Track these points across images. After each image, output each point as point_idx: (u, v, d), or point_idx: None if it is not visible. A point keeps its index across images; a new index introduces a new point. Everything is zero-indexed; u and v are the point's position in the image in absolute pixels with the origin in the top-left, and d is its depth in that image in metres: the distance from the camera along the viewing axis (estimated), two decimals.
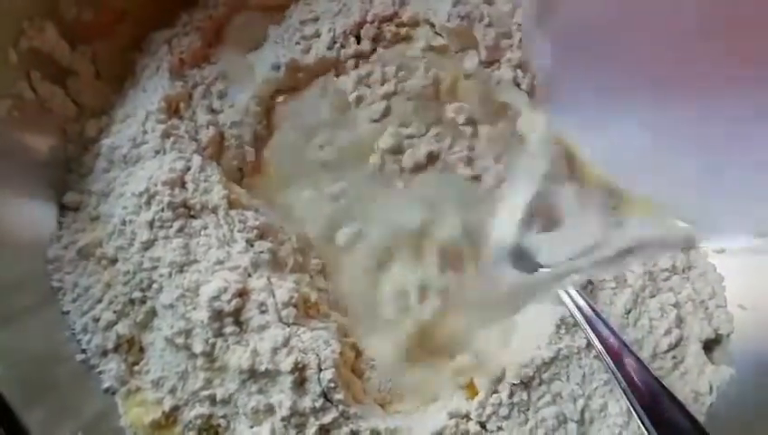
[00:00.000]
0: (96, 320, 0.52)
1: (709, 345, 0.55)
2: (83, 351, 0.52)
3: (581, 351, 0.53)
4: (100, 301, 0.53)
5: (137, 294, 0.52)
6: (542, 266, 0.53)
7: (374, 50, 0.62)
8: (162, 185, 0.52)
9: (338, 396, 0.50)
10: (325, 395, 0.49)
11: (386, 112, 0.60)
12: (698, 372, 0.54)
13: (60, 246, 0.54)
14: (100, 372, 0.52)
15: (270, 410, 0.49)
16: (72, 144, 0.57)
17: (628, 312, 0.55)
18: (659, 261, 0.57)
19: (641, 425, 0.47)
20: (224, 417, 0.50)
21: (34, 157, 0.55)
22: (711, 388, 0.53)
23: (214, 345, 0.49)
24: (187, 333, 0.50)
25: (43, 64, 0.55)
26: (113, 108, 0.58)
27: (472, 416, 0.52)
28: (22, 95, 0.54)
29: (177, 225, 0.52)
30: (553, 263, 0.53)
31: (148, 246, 0.52)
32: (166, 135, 0.56)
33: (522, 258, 0.55)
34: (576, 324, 0.52)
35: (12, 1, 0.51)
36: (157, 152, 0.55)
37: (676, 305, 0.56)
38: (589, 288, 0.55)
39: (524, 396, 0.52)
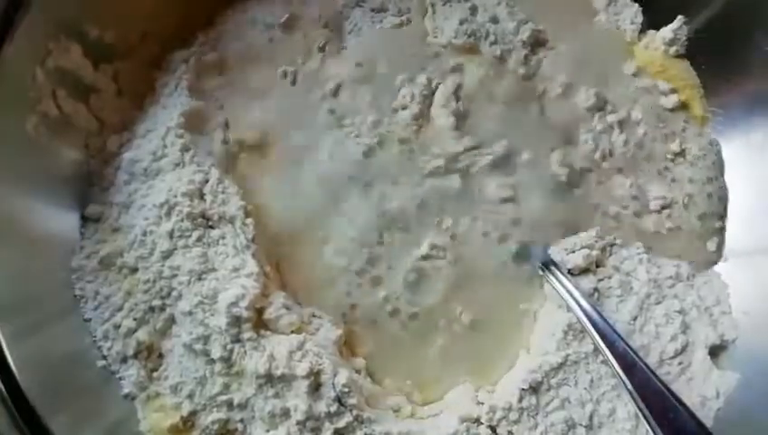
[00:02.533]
0: (117, 327, 0.54)
1: (715, 351, 0.57)
2: (104, 357, 0.54)
3: (589, 356, 0.54)
4: (120, 309, 0.54)
5: (156, 302, 0.54)
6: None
7: None
8: (182, 196, 0.55)
9: (351, 401, 0.51)
10: (339, 400, 0.51)
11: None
12: (705, 377, 0.55)
13: (82, 256, 0.56)
14: (121, 378, 0.53)
15: (286, 414, 0.50)
16: (94, 158, 0.59)
17: (635, 318, 0.56)
18: (664, 269, 0.59)
19: (649, 429, 0.48)
20: (240, 421, 0.52)
21: (59, 171, 0.57)
22: (718, 393, 0.54)
23: (231, 351, 0.51)
24: (206, 339, 0.51)
25: (67, 82, 0.57)
26: (134, 123, 0.60)
27: (483, 420, 0.53)
28: (47, 112, 0.56)
29: (195, 235, 0.54)
30: None
31: (167, 255, 0.54)
32: (185, 149, 0.58)
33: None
34: (583, 330, 0.54)
35: (40, 23, 0.53)
36: (176, 165, 0.57)
37: (682, 312, 0.57)
38: (595, 295, 0.57)
39: (534, 401, 0.53)
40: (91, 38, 0.59)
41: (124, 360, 0.53)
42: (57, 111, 0.57)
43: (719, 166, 0.64)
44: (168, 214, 0.54)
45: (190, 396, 0.52)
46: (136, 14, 0.61)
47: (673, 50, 0.66)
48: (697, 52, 0.65)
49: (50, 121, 0.56)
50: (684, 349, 0.56)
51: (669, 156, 0.63)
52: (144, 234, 0.55)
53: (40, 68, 0.55)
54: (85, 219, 0.58)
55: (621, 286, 0.57)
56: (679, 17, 0.65)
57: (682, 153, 0.63)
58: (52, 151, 0.57)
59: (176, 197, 0.55)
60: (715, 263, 0.61)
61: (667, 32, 0.65)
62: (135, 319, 0.54)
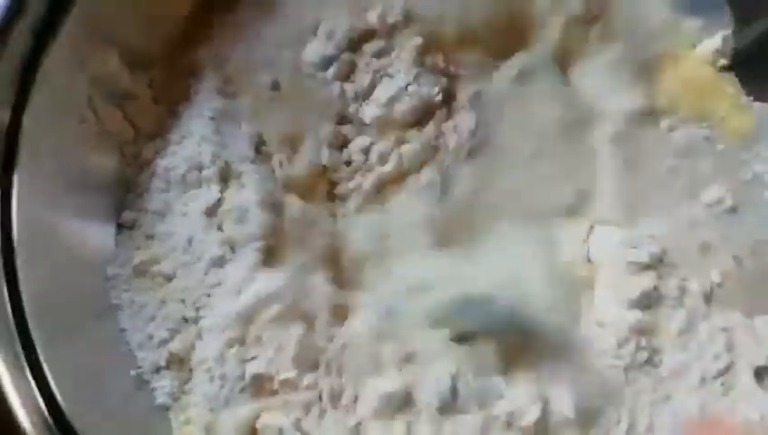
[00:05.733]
0: (150, 337, 0.54)
1: (761, 372, 0.55)
2: (138, 367, 0.53)
3: None
4: (153, 318, 0.54)
5: (190, 313, 0.53)
6: None
7: None
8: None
9: None
10: None
11: None
12: (749, 399, 0.53)
13: (117, 263, 0.56)
14: (153, 389, 0.53)
15: None
16: (130, 166, 0.59)
17: (680, 332, 0.55)
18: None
19: None
20: None
21: (94, 178, 0.57)
22: (762, 416, 0.53)
23: None
24: None
25: (104, 88, 0.57)
26: (169, 131, 0.60)
27: None
28: (84, 118, 0.56)
29: None
30: None
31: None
32: (217, 156, 0.58)
33: None
34: None
35: (81, 27, 0.53)
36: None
37: (727, 329, 0.55)
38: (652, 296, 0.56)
39: None
40: (128, 43, 0.59)
41: (157, 370, 0.53)
42: (94, 116, 0.57)
43: None
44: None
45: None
46: (173, 19, 0.61)
47: None
48: None
49: (87, 128, 0.56)
50: (727, 369, 0.54)
51: None
52: (189, 241, 0.54)
53: (80, 73, 0.54)
54: (120, 227, 0.58)
55: (678, 290, 0.56)
56: None
57: None
58: (88, 158, 0.56)
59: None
60: None
61: None
62: (168, 329, 0.53)
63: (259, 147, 0.60)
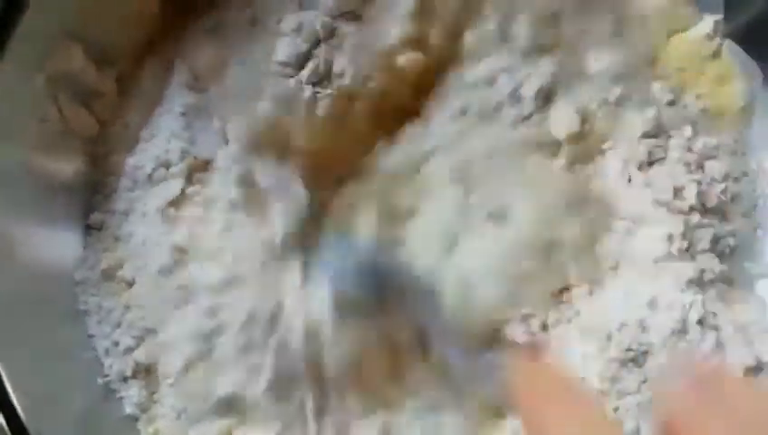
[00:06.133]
0: (116, 344, 0.52)
1: (750, 373, 0.52)
2: (106, 375, 0.52)
3: None
4: (119, 325, 0.52)
5: (149, 324, 0.52)
6: None
7: None
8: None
9: None
10: None
11: None
12: None
13: (86, 267, 0.54)
14: (122, 398, 0.51)
15: None
16: (97, 165, 0.57)
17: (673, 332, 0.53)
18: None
19: None
20: None
21: (60, 179, 0.55)
22: None
23: None
24: None
25: (69, 86, 0.55)
26: (138, 128, 0.58)
27: None
28: (47, 117, 0.54)
29: None
30: None
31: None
32: (186, 153, 0.56)
33: None
34: None
35: (39, 23, 0.51)
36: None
37: (717, 329, 0.53)
38: None
39: None
40: (94, 39, 0.56)
41: (124, 379, 0.51)
42: (58, 115, 0.55)
43: None
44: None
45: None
46: (141, 13, 0.59)
47: None
48: None
49: (50, 127, 0.54)
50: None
51: None
52: (143, 243, 0.52)
53: (40, 72, 0.52)
54: (89, 228, 0.56)
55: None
56: None
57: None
58: (53, 159, 0.55)
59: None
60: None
61: None
62: (133, 337, 0.52)
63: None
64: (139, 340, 0.52)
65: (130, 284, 0.53)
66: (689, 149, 0.59)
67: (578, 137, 0.57)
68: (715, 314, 0.54)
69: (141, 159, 0.56)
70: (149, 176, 0.55)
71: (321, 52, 0.59)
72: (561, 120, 0.57)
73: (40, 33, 0.52)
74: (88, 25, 0.56)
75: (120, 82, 0.59)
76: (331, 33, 0.58)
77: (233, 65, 0.60)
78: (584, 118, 0.57)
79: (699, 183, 0.57)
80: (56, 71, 0.54)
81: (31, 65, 0.52)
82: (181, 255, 0.52)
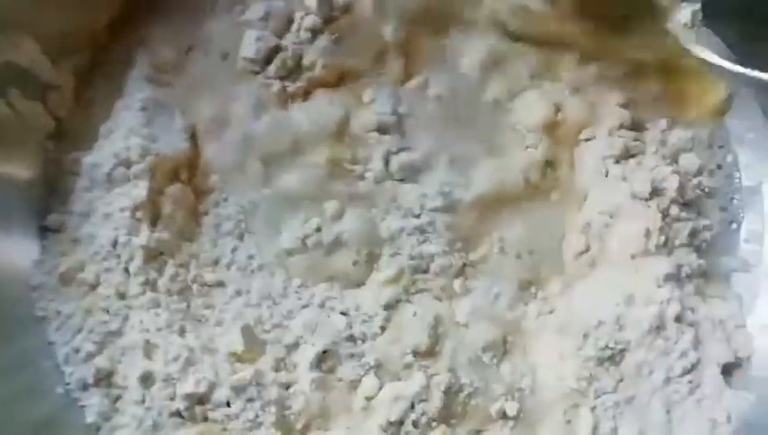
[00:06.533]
0: (77, 350, 0.50)
1: (728, 369, 0.52)
2: (66, 383, 0.50)
3: None
4: (80, 330, 0.50)
5: (114, 326, 0.50)
6: None
7: None
8: None
9: None
10: None
11: None
12: (716, 398, 0.51)
13: (43, 271, 0.52)
14: (83, 407, 0.49)
15: None
16: (53, 163, 0.54)
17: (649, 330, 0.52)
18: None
19: None
20: None
21: (13, 178, 0.52)
22: (729, 417, 0.50)
23: None
24: None
25: (21, 80, 0.52)
26: (96, 124, 0.55)
27: None
28: None
29: None
30: None
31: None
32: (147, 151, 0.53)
33: None
34: None
35: None
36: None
37: (694, 325, 0.52)
38: None
39: None
40: (48, 30, 0.53)
41: (85, 387, 0.49)
42: (9, 111, 0.52)
43: None
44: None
45: None
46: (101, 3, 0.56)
47: None
48: None
49: (2, 123, 0.51)
50: (694, 366, 0.52)
51: None
52: (113, 244, 0.50)
53: None
54: (46, 230, 0.53)
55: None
56: None
57: None
58: (5, 157, 0.52)
59: None
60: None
61: None
62: (95, 342, 0.49)
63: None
64: (101, 345, 0.49)
65: (93, 286, 0.50)
66: (664, 143, 0.58)
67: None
68: (692, 310, 0.53)
69: (99, 157, 0.53)
70: (108, 175, 0.52)
71: (290, 43, 0.57)
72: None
73: None
74: (41, 13, 0.53)
75: (77, 74, 0.56)
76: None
77: (196, 56, 0.58)
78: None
79: (677, 174, 0.56)
80: (5, 63, 0.51)
81: None
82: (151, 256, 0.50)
